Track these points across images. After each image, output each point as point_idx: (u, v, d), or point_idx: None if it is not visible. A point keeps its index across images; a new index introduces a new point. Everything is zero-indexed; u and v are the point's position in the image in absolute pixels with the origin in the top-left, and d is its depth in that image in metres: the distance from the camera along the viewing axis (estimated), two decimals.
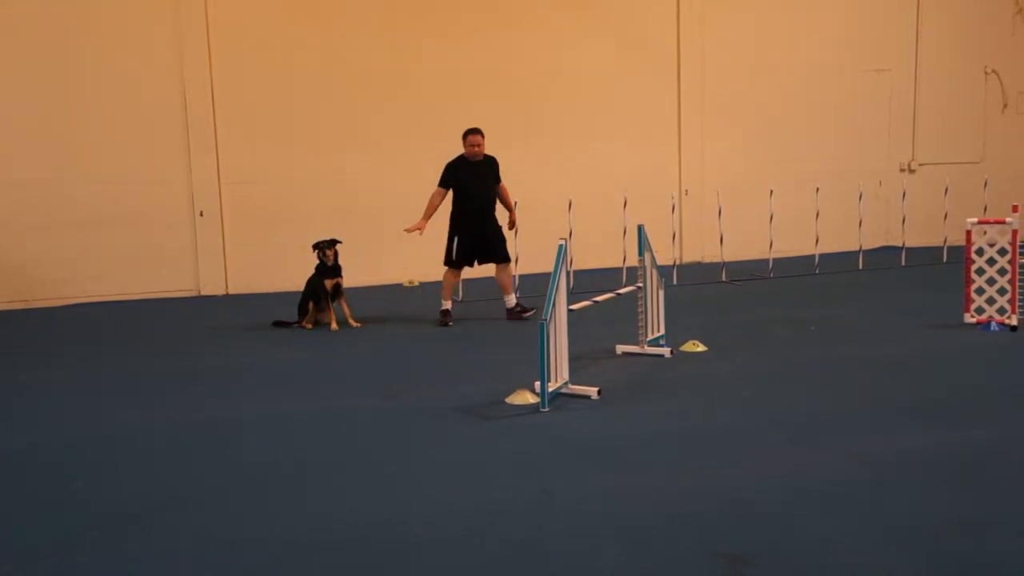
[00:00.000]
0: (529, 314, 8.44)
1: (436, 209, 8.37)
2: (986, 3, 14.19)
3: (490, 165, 8.46)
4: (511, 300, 8.64)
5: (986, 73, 14.26)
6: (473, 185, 8.33)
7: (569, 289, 7.44)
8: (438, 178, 8.38)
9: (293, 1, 11.04)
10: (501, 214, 8.69)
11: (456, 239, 8.43)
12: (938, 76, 13.97)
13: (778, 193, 11.41)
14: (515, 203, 8.78)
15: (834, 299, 9.51)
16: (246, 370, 6.78)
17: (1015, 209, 7.58)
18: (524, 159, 11.80)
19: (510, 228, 8.71)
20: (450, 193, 8.44)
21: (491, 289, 10.55)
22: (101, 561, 3.45)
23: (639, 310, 6.90)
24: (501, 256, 8.50)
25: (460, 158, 8.37)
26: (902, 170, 13.83)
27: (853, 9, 13.53)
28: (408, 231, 8.31)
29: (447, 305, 8.53)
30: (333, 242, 8.51)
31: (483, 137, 8.33)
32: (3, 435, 5.22)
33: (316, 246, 8.50)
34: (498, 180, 8.52)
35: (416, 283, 11.37)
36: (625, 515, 3.75)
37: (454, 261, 8.48)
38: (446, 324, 8.40)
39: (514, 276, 10.13)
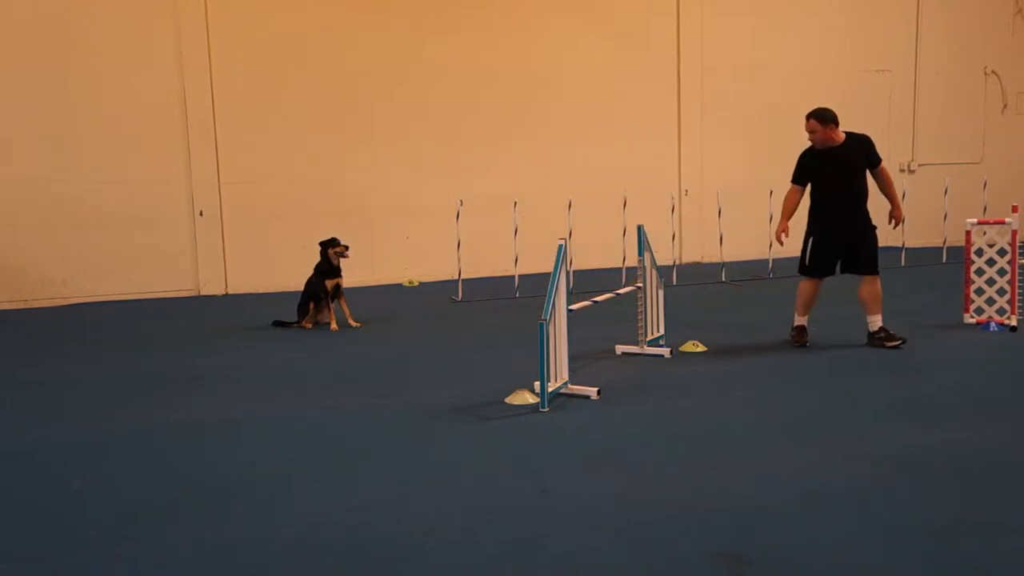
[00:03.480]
0: (894, 344, 6.78)
1: (793, 209, 7.10)
2: (986, 3, 14.21)
3: (855, 148, 6.89)
4: (875, 322, 6.92)
5: (986, 73, 14.28)
6: (826, 176, 6.87)
7: (569, 289, 7.43)
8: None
9: (293, 1, 11.04)
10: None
11: (811, 240, 7.07)
12: (938, 76, 13.98)
13: (778, 193, 11.26)
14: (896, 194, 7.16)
15: (834, 299, 9.48)
16: (245, 370, 6.77)
17: (1015, 209, 7.58)
18: (524, 159, 11.83)
19: (890, 224, 7.09)
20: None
21: (490, 288, 10.56)
22: (101, 561, 3.45)
23: (639, 310, 6.90)
24: (865, 265, 6.90)
25: (812, 146, 7.03)
26: (902, 170, 13.82)
27: (853, 9, 13.54)
28: (777, 235, 7.18)
29: (800, 321, 7.12)
30: (344, 249, 8.39)
31: (822, 121, 6.79)
32: (2, 435, 5.22)
33: (325, 244, 8.43)
34: (873, 163, 6.94)
35: (416, 283, 11.37)
36: (625, 515, 3.75)
37: (807, 267, 7.10)
38: (801, 344, 7.02)
39: (513, 276, 10.15)
